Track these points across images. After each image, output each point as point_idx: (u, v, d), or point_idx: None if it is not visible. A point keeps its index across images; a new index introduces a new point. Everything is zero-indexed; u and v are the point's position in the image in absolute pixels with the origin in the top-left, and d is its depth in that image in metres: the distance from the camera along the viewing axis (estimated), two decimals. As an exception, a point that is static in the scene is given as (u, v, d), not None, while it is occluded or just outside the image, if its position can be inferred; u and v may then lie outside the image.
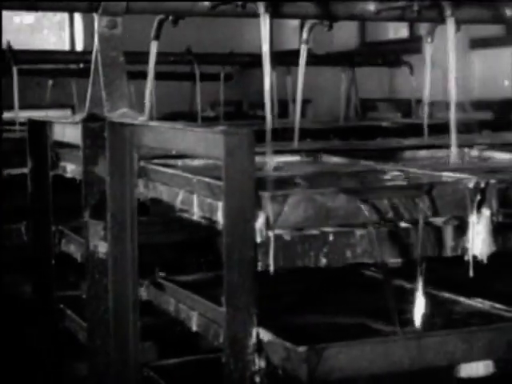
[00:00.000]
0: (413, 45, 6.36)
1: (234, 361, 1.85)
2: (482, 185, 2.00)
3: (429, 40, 3.23)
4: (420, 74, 3.34)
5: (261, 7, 2.32)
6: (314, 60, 6.65)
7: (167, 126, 2.17)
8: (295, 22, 8.73)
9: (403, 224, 1.97)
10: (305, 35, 3.10)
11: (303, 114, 7.88)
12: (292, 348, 1.81)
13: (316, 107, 8.05)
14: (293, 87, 3.13)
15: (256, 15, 2.39)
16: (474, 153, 2.82)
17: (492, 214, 2.01)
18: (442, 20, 2.68)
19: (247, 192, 1.83)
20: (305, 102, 7.83)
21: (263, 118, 2.61)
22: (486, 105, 6.41)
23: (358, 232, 1.94)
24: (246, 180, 1.83)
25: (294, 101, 3.73)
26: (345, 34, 8.42)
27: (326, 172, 2.43)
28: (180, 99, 6.71)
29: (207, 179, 2.01)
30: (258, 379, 1.86)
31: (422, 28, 3.42)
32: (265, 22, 2.32)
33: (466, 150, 2.83)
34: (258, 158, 2.32)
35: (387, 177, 2.28)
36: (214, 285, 2.19)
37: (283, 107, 5.82)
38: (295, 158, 2.70)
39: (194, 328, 2.15)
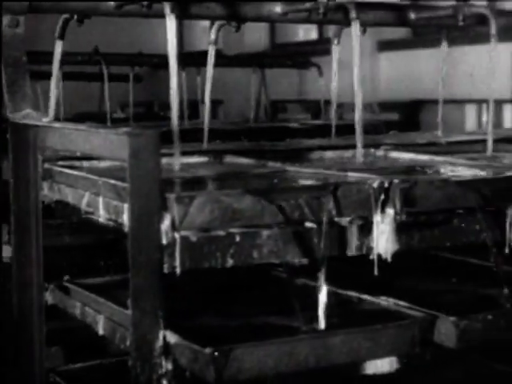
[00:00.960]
0: (322, 46, 6.44)
1: (140, 364, 1.83)
2: (386, 184, 2.04)
3: (336, 42, 3.28)
4: (329, 76, 3.38)
5: (167, 8, 2.31)
6: (223, 61, 6.67)
7: (71, 128, 2.14)
8: (205, 23, 8.72)
9: (309, 224, 1.99)
10: (213, 36, 3.10)
11: (214, 115, 7.90)
12: (199, 350, 1.81)
13: (227, 108, 8.06)
14: (202, 88, 3.12)
15: (162, 16, 2.38)
16: (380, 153, 2.87)
17: (396, 214, 2.04)
18: (347, 22, 2.71)
19: (152, 193, 1.82)
20: (216, 102, 7.86)
21: (174, 118, 2.59)
22: (394, 106, 6.53)
23: (265, 232, 1.94)
24: (152, 181, 1.82)
25: (204, 102, 3.73)
26: (255, 36, 8.46)
27: (233, 173, 2.43)
28: (89, 100, 6.63)
29: (113, 181, 1.99)
30: (165, 382, 1.85)
31: (331, 30, 3.46)
32: (171, 23, 2.31)
33: (372, 150, 2.88)
34: (165, 159, 2.32)
35: (294, 177, 2.30)
36: (121, 288, 2.16)
37: (194, 108, 5.81)
38: (203, 159, 2.70)
39: (101, 332, 2.13)
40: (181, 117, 5.12)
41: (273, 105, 6.75)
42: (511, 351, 2.64)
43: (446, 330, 2.05)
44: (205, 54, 3.12)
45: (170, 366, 1.86)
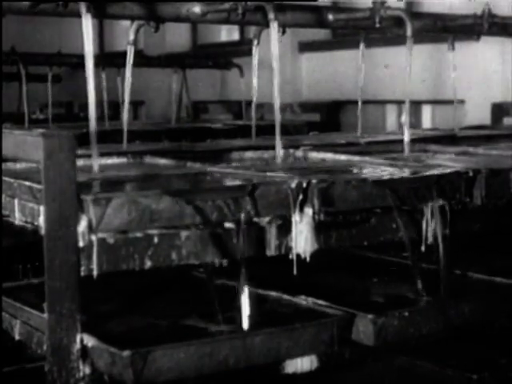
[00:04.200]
0: (243, 47, 6.44)
1: (57, 368, 1.81)
2: (304, 184, 2.05)
3: (255, 43, 3.28)
4: (250, 77, 3.38)
5: (82, 7, 2.28)
6: (144, 61, 6.63)
7: (-15, 129, 2.09)
8: (127, 23, 8.64)
9: (228, 224, 1.99)
10: (131, 36, 3.07)
11: (136, 116, 7.84)
12: (117, 353, 1.79)
13: (149, 109, 8.02)
14: (123, 89, 3.09)
15: (78, 15, 2.34)
16: (299, 153, 2.89)
17: (314, 213, 2.06)
18: (266, 23, 2.72)
19: (68, 195, 1.80)
20: (138, 103, 7.80)
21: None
22: (315, 107, 6.59)
23: (183, 233, 1.94)
24: (67, 183, 1.79)
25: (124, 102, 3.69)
26: (176, 36, 8.43)
27: (152, 174, 2.42)
28: (7, 100, 6.50)
29: (28, 183, 1.95)
30: (82, 386, 1.82)
31: (252, 31, 3.47)
32: (87, 23, 2.28)
33: (292, 150, 2.89)
34: (82, 161, 2.30)
35: (213, 178, 2.30)
36: (39, 292, 2.13)
37: (114, 109, 5.76)
38: (122, 160, 2.67)
39: (17, 337, 2.09)
40: (101, 118, 5.08)
41: (194, 105, 6.74)
42: (429, 347, 2.69)
43: (364, 328, 2.08)
44: (125, 54, 3.09)
45: (87, 370, 1.83)
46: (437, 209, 2.23)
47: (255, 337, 1.93)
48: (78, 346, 1.82)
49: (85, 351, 1.84)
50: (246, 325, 1.95)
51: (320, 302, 2.18)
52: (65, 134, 1.80)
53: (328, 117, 6.38)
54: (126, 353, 1.78)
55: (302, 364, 2.44)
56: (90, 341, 1.84)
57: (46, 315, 1.83)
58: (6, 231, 2.44)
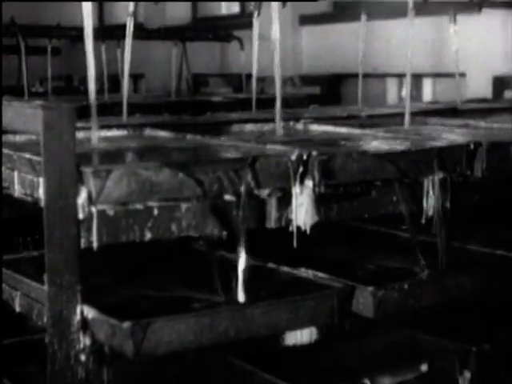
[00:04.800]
0: (244, 20, 6.40)
1: (58, 340, 1.81)
2: (305, 157, 2.04)
3: (256, 15, 3.27)
4: (250, 50, 3.37)
5: (82, -22, 2.26)
6: (144, 34, 6.60)
7: (-16, 101, 2.08)
8: (126, -4, 8.59)
9: (228, 197, 1.98)
10: (131, 8, 3.06)
11: (136, 89, 7.82)
12: (117, 324, 1.80)
13: (149, 82, 7.98)
14: (123, 62, 3.08)
15: (78, -13, 2.32)
16: (300, 126, 2.88)
17: (314, 186, 2.05)
18: (266, -4, 2.71)
19: (68, 167, 1.79)
20: (137, 76, 7.77)
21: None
22: (315, 80, 6.56)
23: (183, 206, 1.94)
24: (67, 155, 1.79)
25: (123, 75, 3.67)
26: (177, 9, 8.38)
27: (152, 146, 2.41)
28: (7, 73, 6.47)
29: (28, 155, 1.94)
30: (83, 357, 1.83)
31: (252, 4, 3.44)
32: (86, -6, 2.26)
33: (292, 123, 2.88)
34: (82, 133, 2.29)
35: (213, 150, 2.29)
36: (39, 264, 2.13)
37: (114, 82, 5.73)
38: (122, 133, 2.67)
39: (18, 309, 2.09)
40: (100, 91, 5.06)
41: (194, 79, 6.70)
42: (428, 319, 2.70)
43: (364, 300, 2.08)
44: (125, 26, 3.07)
45: (88, 342, 1.84)
46: (437, 181, 2.23)
47: (255, 309, 1.93)
48: (78, 317, 1.83)
49: (85, 323, 1.84)
50: (246, 297, 1.95)
51: (320, 274, 2.18)
52: (64, 106, 1.79)
53: (328, 90, 6.36)
54: (126, 324, 1.78)
55: (302, 336, 2.45)
56: (90, 312, 1.84)
57: (46, 287, 1.83)
58: (6, 203, 2.44)
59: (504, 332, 2.59)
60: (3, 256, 2.35)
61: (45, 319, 1.87)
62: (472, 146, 2.30)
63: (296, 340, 2.46)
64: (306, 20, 7.10)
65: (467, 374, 2.41)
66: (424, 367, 2.32)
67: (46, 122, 1.77)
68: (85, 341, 1.84)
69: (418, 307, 2.19)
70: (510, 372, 2.54)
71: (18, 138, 2.39)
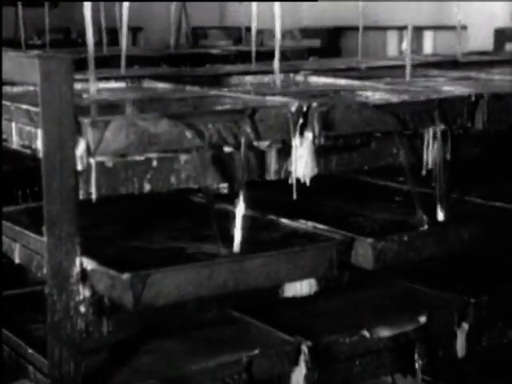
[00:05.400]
0: (243, -28, 6.32)
1: (57, 291, 1.81)
2: (305, 108, 2.03)
3: (255, -34, 3.21)
4: (250, 2, 3.33)
5: None
6: (143, -14, 6.51)
7: (-20, 51, 2.06)
8: None
9: (227, 148, 1.97)
10: (129, -41, 3.01)
11: (134, 42, 7.74)
12: (116, 276, 1.80)
13: (148, 35, 7.91)
14: (121, 14, 3.04)
15: None
16: (299, 78, 2.85)
17: (314, 137, 2.04)
18: None
19: (66, 118, 1.78)
20: (136, 29, 7.69)
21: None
22: (315, 33, 6.50)
23: (182, 157, 1.93)
24: (65, 106, 1.77)
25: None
26: (175, -39, 8.27)
27: (150, 97, 2.39)
28: (4, 26, 6.42)
29: (25, 106, 1.93)
30: (82, 309, 1.83)
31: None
32: None
33: (292, 75, 2.86)
34: (80, 85, 2.27)
35: (212, 102, 2.27)
36: (38, 216, 2.12)
37: (113, 35, 5.68)
38: (120, 85, 2.64)
39: (17, 260, 2.09)
40: (99, 44, 5.01)
41: (194, 32, 6.64)
42: (427, 271, 2.70)
43: (364, 252, 2.08)
44: (123, -21, 3.03)
45: (87, 293, 1.84)
46: (438, 133, 2.21)
47: (254, 260, 1.93)
48: (77, 269, 1.83)
49: (84, 274, 1.84)
50: (245, 248, 1.95)
51: (320, 225, 2.18)
52: (62, 56, 1.77)
53: (328, 43, 6.30)
54: (126, 275, 1.78)
55: (302, 287, 2.45)
56: (89, 264, 1.84)
57: (45, 238, 1.83)
58: (5, 156, 2.43)
59: (502, 284, 2.60)
60: (3, 208, 2.35)
61: (44, 271, 1.87)
62: (473, 98, 2.28)
63: (295, 292, 2.47)
64: (305, -28, 7.00)
65: (465, 326, 2.43)
66: (423, 319, 2.33)
67: (44, 72, 1.75)
68: (84, 292, 1.84)
69: (417, 259, 2.20)
70: (507, 323, 2.55)
71: (16, 90, 2.37)
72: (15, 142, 2.00)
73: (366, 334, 2.24)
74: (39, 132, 1.84)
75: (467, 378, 2.78)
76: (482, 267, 2.79)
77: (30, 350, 2.05)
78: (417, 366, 2.35)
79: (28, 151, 1.96)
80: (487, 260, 2.85)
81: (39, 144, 1.85)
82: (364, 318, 2.35)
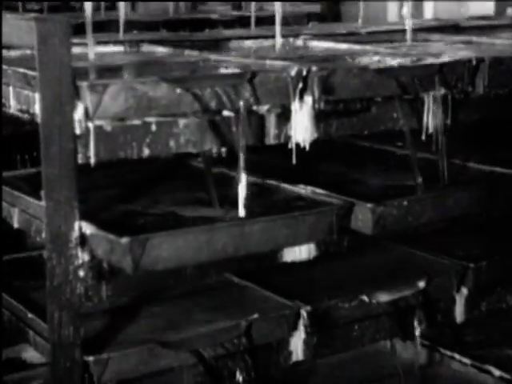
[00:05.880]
0: None
1: (56, 255, 1.81)
2: (304, 72, 2.01)
3: None
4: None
5: None
6: (142, -50, 6.44)
7: (-23, 14, 2.04)
8: None
9: (226, 113, 1.96)
10: None
11: (133, 7, 7.68)
12: (115, 240, 1.79)
13: (147, 2, 7.84)
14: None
15: None
16: (299, 42, 2.83)
17: (314, 102, 2.02)
18: None
19: (64, 82, 1.76)
20: (135, -5, 7.62)
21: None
22: (315, -2, 6.43)
23: (181, 121, 1.91)
24: (62, 69, 1.76)
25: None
26: None
27: (149, 61, 2.37)
28: (1, -9, 6.36)
29: (22, 69, 1.91)
30: (81, 273, 1.83)
31: None
32: None
33: (291, 39, 2.84)
34: (79, 49, 2.25)
35: (211, 66, 2.26)
36: (37, 181, 2.12)
37: (112, 2, 5.63)
38: (119, 49, 2.62)
39: (16, 225, 2.09)
40: (97, 9, 4.97)
41: (193, -4, 6.58)
42: (427, 237, 2.70)
43: (363, 217, 2.08)
44: None
45: (86, 257, 1.84)
46: (439, 98, 2.20)
47: (254, 225, 1.93)
48: (76, 233, 1.82)
49: (83, 239, 1.84)
50: (244, 213, 1.95)
51: (319, 190, 2.17)
52: (59, 18, 1.75)
53: (329, 8, 6.25)
54: (125, 240, 1.78)
55: (301, 252, 2.46)
56: (88, 228, 1.84)
57: (43, 203, 1.82)
58: (3, 121, 2.41)
59: (502, 249, 2.60)
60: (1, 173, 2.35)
61: (43, 235, 1.87)
62: (474, 62, 2.26)
63: (294, 257, 2.47)
64: None
65: (464, 291, 2.43)
66: (422, 284, 2.33)
67: (41, 35, 1.73)
68: (83, 257, 1.84)
69: (416, 224, 2.19)
70: (507, 289, 2.56)
71: (13, 53, 2.35)
72: (13, 107, 1.98)
73: (365, 298, 2.24)
74: (37, 96, 1.82)
75: (466, 343, 2.80)
76: (481, 233, 2.79)
77: (30, 315, 2.05)
78: (416, 330, 2.35)
79: (26, 116, 1.95)
80: (487, 225, 2.85)
81: (37, 108, 1.83)
82: (363, 283, 2.35)
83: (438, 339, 2.76)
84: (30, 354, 2.55)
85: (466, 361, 2.67)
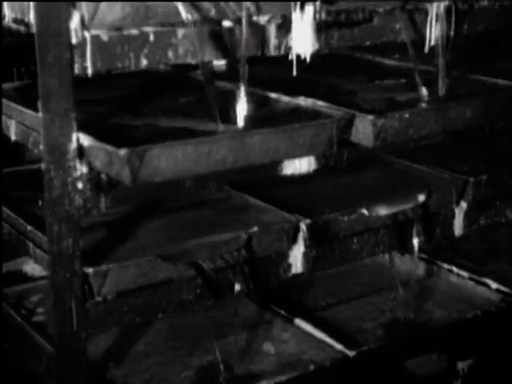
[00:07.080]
0: None
1: (54, 167, 1.79)
2: (305, -19, 1.96)
3: None
4: None
5: None
6: None
7: None
8: None
9: (227, 23, 1.92)
10: None
11: None
12: (113, 151, 1.78)
13: None
14: None
15: None
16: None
17: (315, 12, 1.98)
18: None
19: (59, -11, 1.72)
20: None
21: None
22: None
23: (180, 31, 1.87)
24: (57, -24, 1.71)
25: None
26: None
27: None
28: None
29: (16, -23, 1.86)
30: (80, 185, 1.82)
31: None
32: None
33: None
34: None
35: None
36: (34, 93, 2.09)
37: None
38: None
39: (13, 137, 2.07)
40: None
41: None
42: (427, 151, 2.69)
43: (364, 129, 2.06)
44: None
45: (84, 169, 1.82)
46: (442, 8, 2.15)
47: (254, 136, 1.90)
48: (73, 145, 1.80)
49: (81, 150, 1.82)
50: (244, 125, 1.93)
51: (320, 102, 2.14)
52: None
53: None
54: (123, 151, 1.76)
55: (301, 165, 2.45)
56: (86, 140, 1.81)
57: (40, 114, 1.80)
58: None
59: (502, 164, 2.59)
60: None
61: (41, 147, 1.85)
62: (480, -28, 2.21)
63: (294, 170, 2.46)
64: None
65: (464, 205, 2.43)
66: (421, 197, 2.32)
67: None
68: (81, 168, 1.82)
69: (418, 136, 2.17)
70: (506, 203, 2.56)
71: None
72: (7, 16, 1.94)
73: (365, 212, 2.24)
74: (32, 4, 1.78)
75: (464, 257, 2.81)
76: (482, 147, 2.77)
77: (30, 227, 2.05)
78: (414, 243, 2.36)
79: (21, 27, 1.91)
80: (488, 140, 2.84)
81: (32, 17, 1.79)
82: (363, 196, 2.35)
83: (437, 253, 2.78)
84: (31, 267, 2.57)
85: (464, 274, 2.69)
